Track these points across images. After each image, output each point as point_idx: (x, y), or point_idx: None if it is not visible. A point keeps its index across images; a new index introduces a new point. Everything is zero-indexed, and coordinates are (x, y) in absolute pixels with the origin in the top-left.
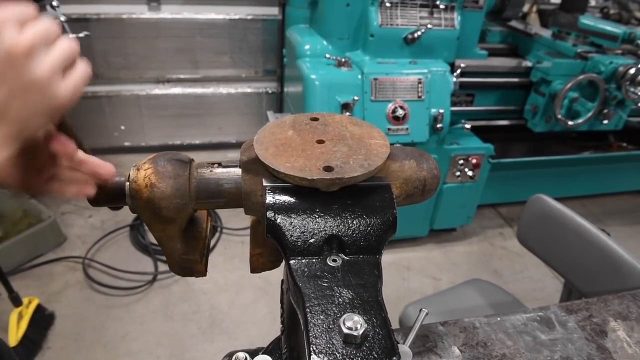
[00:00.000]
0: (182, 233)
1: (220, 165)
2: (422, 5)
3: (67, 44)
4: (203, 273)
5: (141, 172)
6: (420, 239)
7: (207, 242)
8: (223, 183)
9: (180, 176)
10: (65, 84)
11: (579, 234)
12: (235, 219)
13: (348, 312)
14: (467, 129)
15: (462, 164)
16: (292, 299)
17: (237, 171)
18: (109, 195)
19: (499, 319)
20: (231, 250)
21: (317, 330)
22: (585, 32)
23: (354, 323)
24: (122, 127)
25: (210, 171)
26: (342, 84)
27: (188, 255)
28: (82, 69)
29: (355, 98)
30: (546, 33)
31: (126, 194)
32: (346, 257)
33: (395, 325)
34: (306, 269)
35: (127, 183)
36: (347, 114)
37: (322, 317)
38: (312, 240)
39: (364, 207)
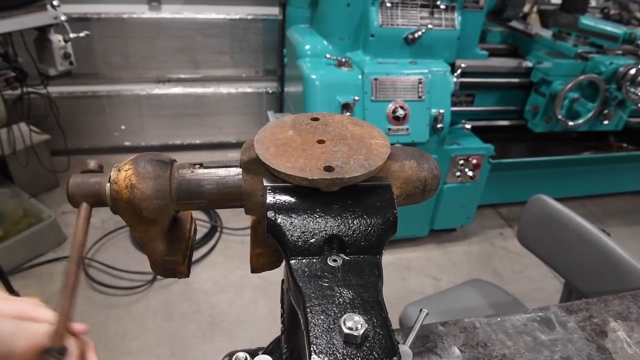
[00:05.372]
0: (165, 234)
1: (201, 166)
2: (422, 6)
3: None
4: (186, 274)
5: (122, 173)
6: (421, 239)
7: (191, 243)
8: (204, 184)
9: (161, 177)
10: None
11: (579, 234)
12: (236, 219)
13: (348, 312)
14: (468, 129)
15: (462, 164)
16: (292, 299)
17: (219, 172)
18: (90, 196)
19: (499, 319)
20: (231, 250)
21: (317, 330)
22: (585, 33)
23: (355, 323)
24: (123, 127)
25: (192, 172)
26: (343, 84)
27: (170, 256)
28: None
29: (356, 98)
30: (546, 33)
31: (107, 195)
32: (346, 257)
33: (395, 325)
34: (306, 269)
35: (108, 184)
36: (348, 114)
37: (322, 317)
38: (312, 240)
39: (364, 207)
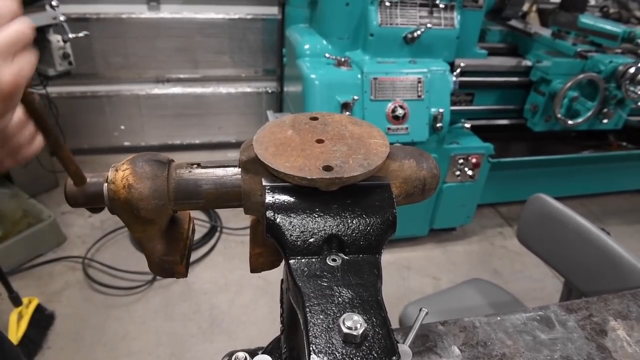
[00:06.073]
0: (163, 234)
1: (199, 166)
2: (421, 5)
3: (21, 27)
4: (184, 274)
5: (119, 173)
6: (420, 239)
7: (189, 242)
8: (202, 184)
9: (159, 177)
10: (10, 69)
11: (579, 233)
12: (235, 219)
13: (348, 312)
14: (467, 128)
15: (462, 164)
16: (291, 298)
17: (217, 172)
18: (87, 196)
19: (498, 318)
20: (231, 250)
21: (316, 329)
22: (585, 31)
23: (354, 323)
24: (122, 127)
25: (189, 172)
26: (342, 84)
27: (168, 256)
28: (30, 55)
29: (355, 97)
30: (546, 32)
31: (104, 195)
32: (346, 257)
33: (395, 324)
34: (306, 268)
35: (105, 184)
36: (347, 113)
37: (321, 316)
38: (311, 240)
39: (363, 206)
